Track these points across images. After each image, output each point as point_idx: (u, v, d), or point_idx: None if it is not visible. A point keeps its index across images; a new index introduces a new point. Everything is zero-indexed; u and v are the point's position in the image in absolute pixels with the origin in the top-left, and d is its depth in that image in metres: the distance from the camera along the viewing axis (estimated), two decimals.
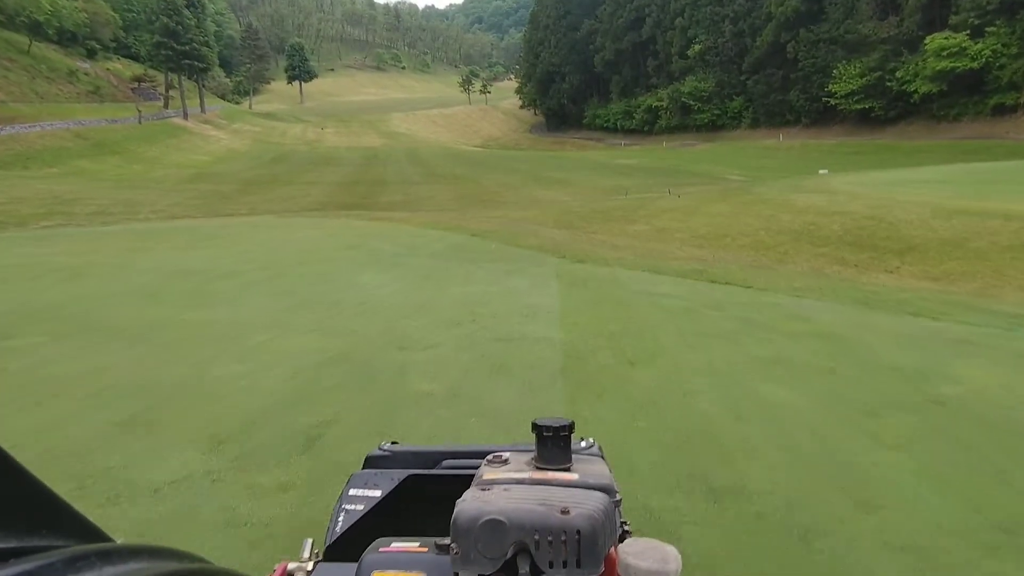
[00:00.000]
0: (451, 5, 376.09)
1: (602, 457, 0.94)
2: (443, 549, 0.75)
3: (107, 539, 0.42)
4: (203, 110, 78.82)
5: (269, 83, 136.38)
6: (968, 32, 45.97)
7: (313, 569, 0.85)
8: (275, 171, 40.75)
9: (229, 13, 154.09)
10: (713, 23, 71.96)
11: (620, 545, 0.76)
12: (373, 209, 22.98)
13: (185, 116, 72.62)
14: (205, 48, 73.55)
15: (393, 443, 1.16)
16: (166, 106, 74.39)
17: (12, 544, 0.34)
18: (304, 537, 0.87)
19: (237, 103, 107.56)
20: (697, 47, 73.98)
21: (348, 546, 0.94)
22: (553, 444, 0.82)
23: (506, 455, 0.86)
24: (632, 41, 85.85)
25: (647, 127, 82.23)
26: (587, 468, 0.82)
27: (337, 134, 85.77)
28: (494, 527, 0.67)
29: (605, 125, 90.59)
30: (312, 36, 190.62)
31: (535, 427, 0.83)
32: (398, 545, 0.79)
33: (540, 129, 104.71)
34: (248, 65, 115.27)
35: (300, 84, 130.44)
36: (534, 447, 0.84)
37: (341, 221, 15.61)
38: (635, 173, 38.75)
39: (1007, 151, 37.26)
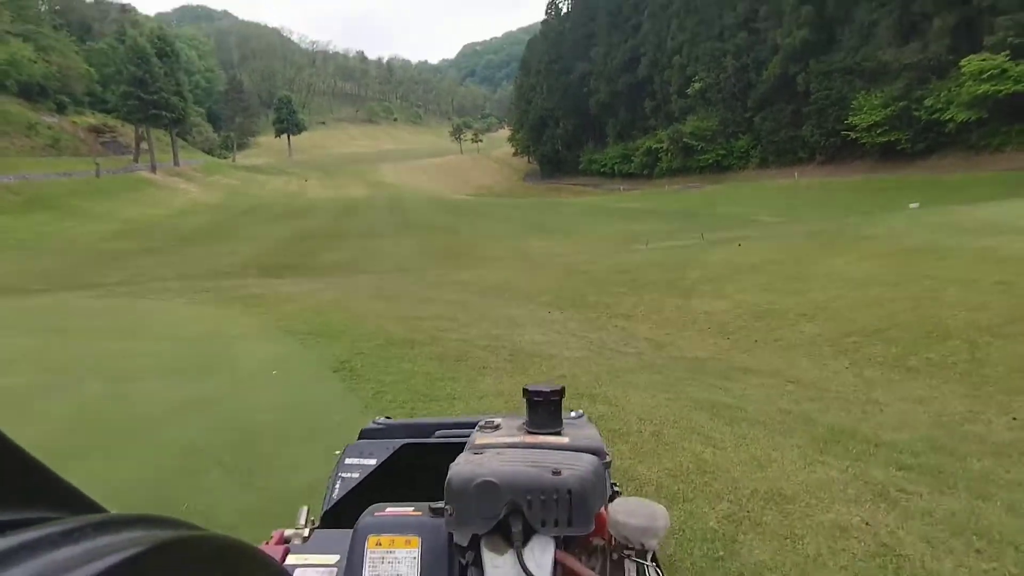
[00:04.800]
0: (444, 60, 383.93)
1: (591, 423, 0.96)
2: (437, 512, 0.76)
3: (101, 510, 0.42)
4: (176, 163, 74.17)
5: (256, 136, 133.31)
6: (1008, 53, 41.08)
7: (309, 535, 0.87)
8: (225, 225, 34.86)
9: (219, 70, 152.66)
10: (714, 59, 67.92)
11: (610, 504, 0.76)
12: (306, 271, 16.83)
13: (153, 169, 67.72)
14: (176, 98, 69.31)
15: (387, 418, 1.14)
16: (136, 159, 69.76)
17: (7, 516, 0.34)
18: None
19: (224, 157, 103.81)
20: (697, 85, 69.80)
21: (343, 513, 0.96)
22: (544, 409, 0.83)
23: (498, 421, 0.87)
24: (627, 82, 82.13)
25: (647, 170, 77.44)
26: (577, 432, 0.82)
27: (321, 185, 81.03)
28: (487, 488, 0.68)
29: (602, 170, 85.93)
30: (303, 90, 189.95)
31: (526, 393, 0.84)
32: (392, 510, 0.80)
33: (534, 177, 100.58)
34: (233, 118, 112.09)
35: (288, 137, 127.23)
36: (525, 415, 0.85)
37: (153, 305, 8.85)
38: (646, 217, 32.87)
39: None
